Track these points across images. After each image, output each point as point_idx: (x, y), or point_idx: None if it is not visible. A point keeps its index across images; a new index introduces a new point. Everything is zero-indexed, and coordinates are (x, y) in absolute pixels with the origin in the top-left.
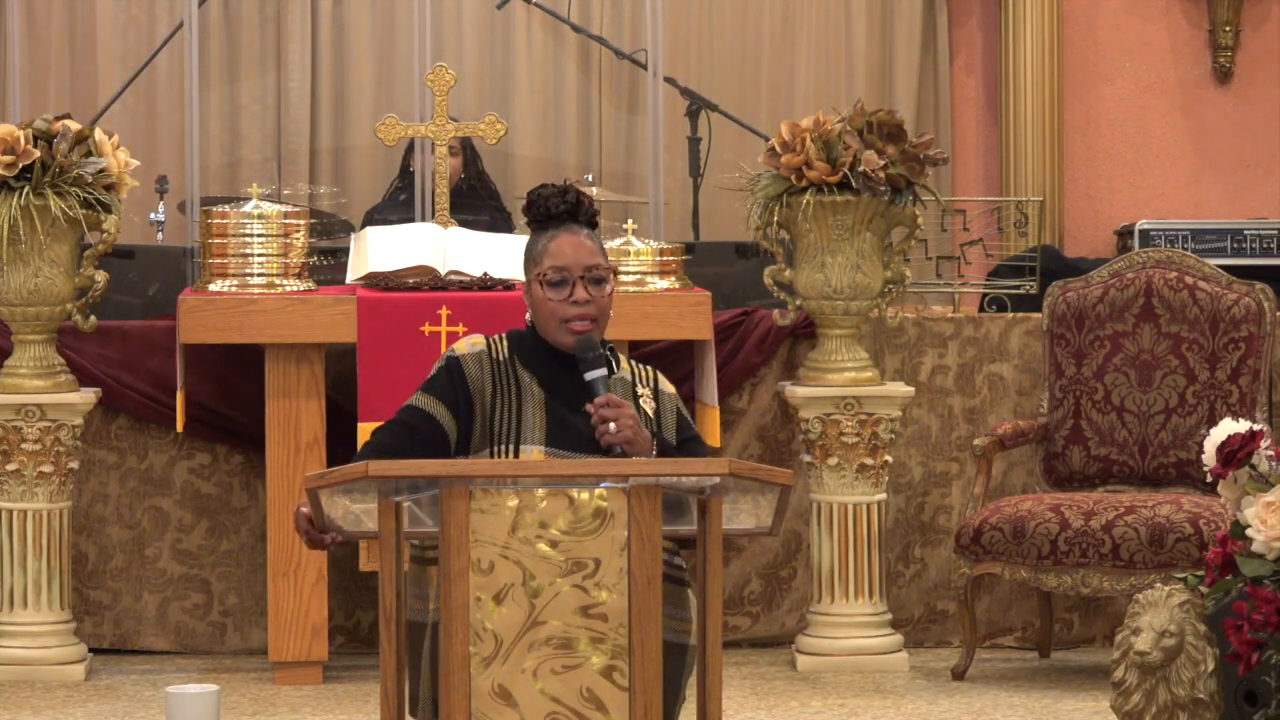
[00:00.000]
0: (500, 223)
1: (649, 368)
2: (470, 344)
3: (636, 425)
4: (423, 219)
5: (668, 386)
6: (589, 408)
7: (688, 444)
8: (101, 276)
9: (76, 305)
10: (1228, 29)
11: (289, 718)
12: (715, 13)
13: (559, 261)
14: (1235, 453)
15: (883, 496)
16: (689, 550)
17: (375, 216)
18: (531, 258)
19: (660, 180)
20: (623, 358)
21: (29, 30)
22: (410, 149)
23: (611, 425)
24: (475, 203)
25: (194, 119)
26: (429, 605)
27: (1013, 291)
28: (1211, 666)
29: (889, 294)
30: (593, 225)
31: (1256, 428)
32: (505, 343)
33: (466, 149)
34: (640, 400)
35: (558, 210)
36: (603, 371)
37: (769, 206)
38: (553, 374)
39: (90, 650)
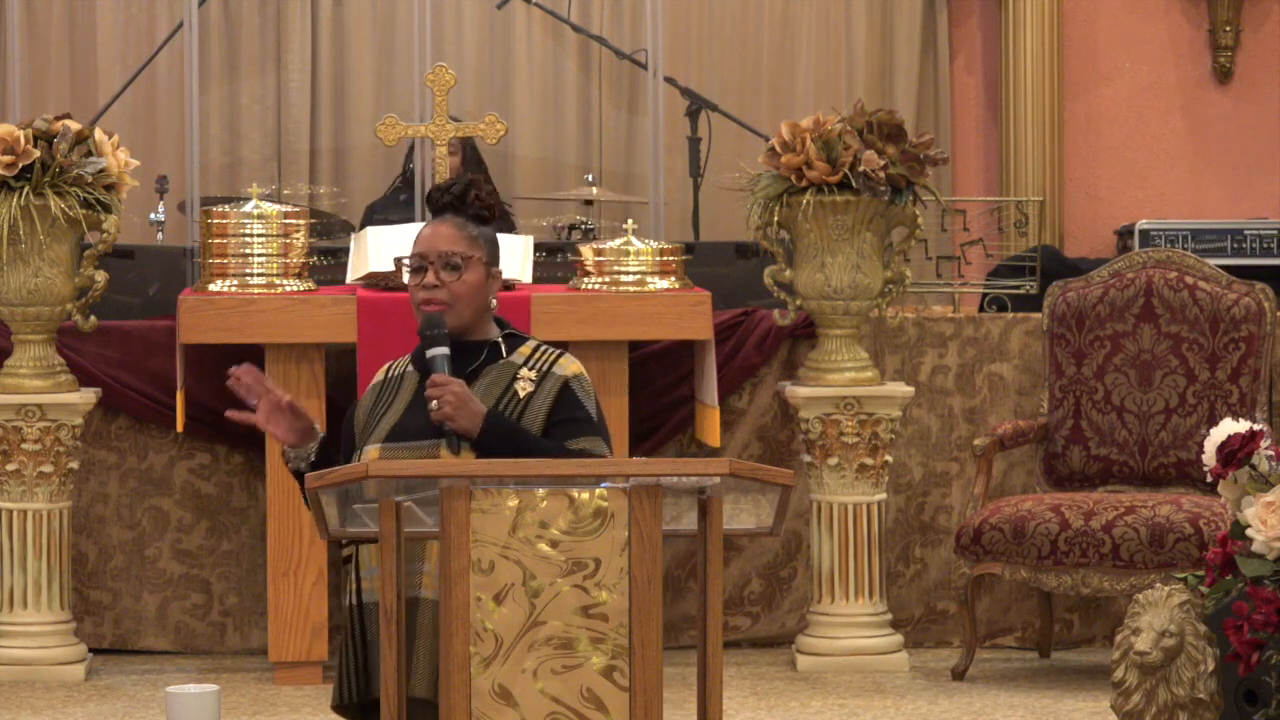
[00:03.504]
0: (500, 223)
1: (555, 351)
2: (381, 373)
3: (458, 403)
4: (423, 219)
5: (565, 369)
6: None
7: (561, 425)
8: (101, 276)
9: (76, 305)
10: (1228, 29)
11: (289, 718)
12: (715, 13)
13: (417, 248)
14: (1235, 453)
15: (883, 496)
16: None
17: (375, 216)
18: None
19: (660, 180)
20: (532, 342)
21: (29, 30)
22: (411, 152)
23: (434, 403)
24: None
25: (194, 119)
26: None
27: (1013, 291)
28: (1211, 666)
29: (889, 294)
30: (482, 219)
31: (1256, 428)
32: (406, 358)
33: (466, 149)
34: (516, 382)
35: (441, 202)
36: (444, 350)
37: (769, 206)
38: (423, 368)
39: (90, 650)
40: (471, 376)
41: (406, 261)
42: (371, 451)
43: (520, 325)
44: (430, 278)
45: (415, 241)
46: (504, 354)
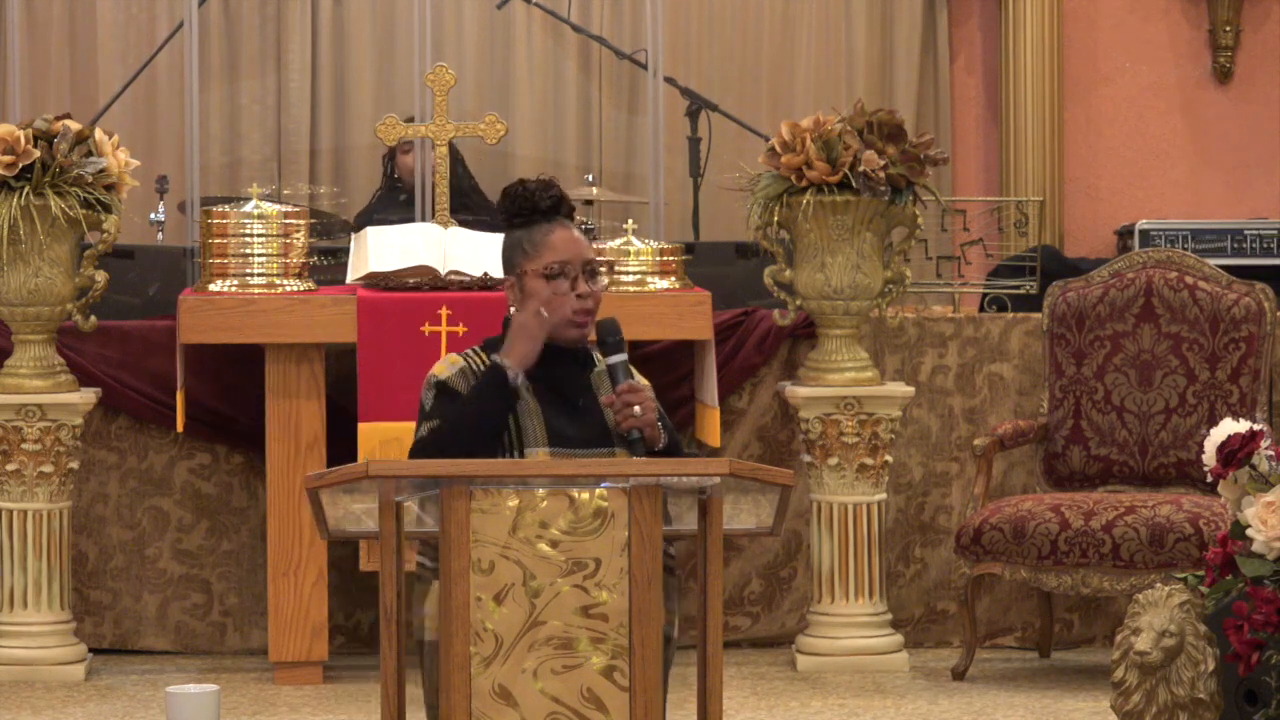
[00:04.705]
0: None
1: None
2: (450, 364)
3: (656, 412)
4: (422, 219)
5: (643, 380)
6: (605, 399)
7: (672, 433)
8: (101, 276)
9: (76, 305)
10: (1228, 29)
11: (289, 718)
12: (715, 13)
13: (561, 255)
14: (1235, 453)
15: (883, 496)
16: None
17: (375, 216)
18: (524, 251)
19: (660, 180)
20: (595, 350)
21: (29, 30)
22: (390, 154)
23: (636, 409)
24: (477, 203)
25: (194, 119)
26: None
27: (1013, 291)
28: (1211, 666)
29: (889, 294)
30: (572, 220)
31: (1256, 428)
32: (482, 354)
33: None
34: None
35: (544, 204)
36: (623, 356)
37: (769, 206)
38: (542, 372)
39: (90, 650)
40: (586, 385)
41: (546, 268)
42: (542, 454)
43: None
44: (583, 286)
45: (548, 245)
46: (594, 361)
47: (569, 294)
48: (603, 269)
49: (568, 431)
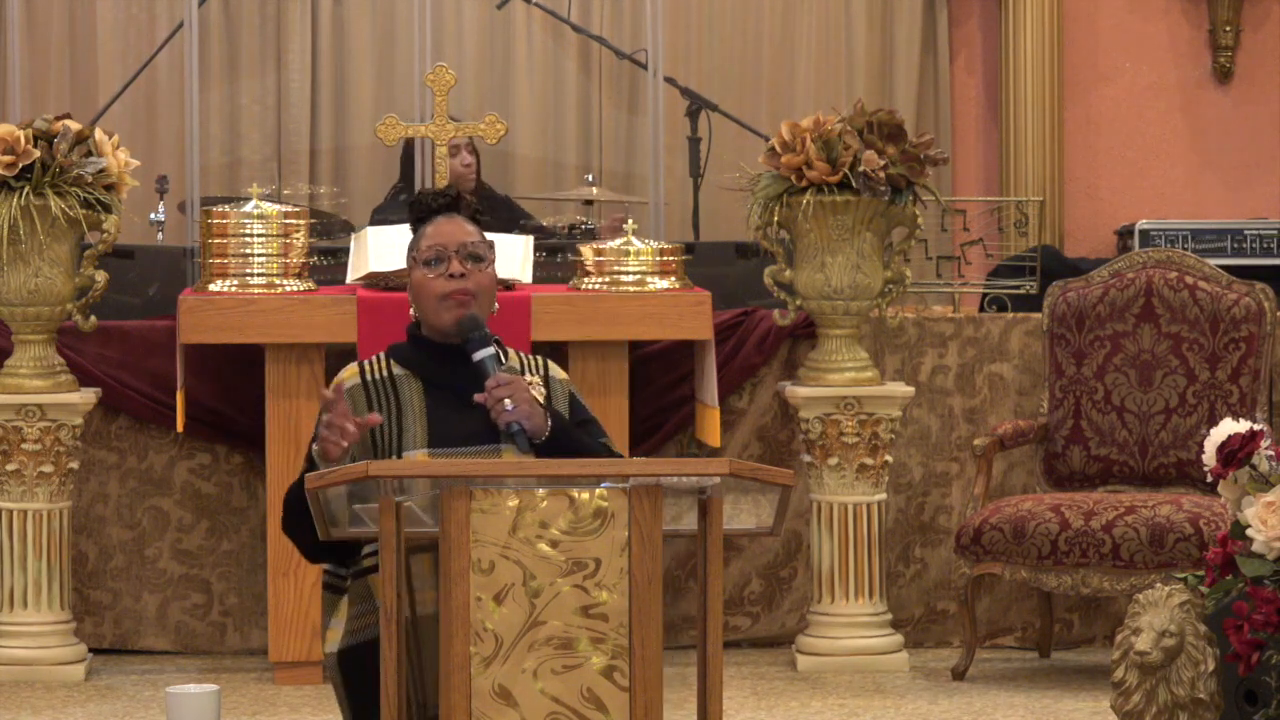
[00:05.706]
0: (502, 223)
1: (539, 357)
2: (350, 375)
3: (532, 400)
4: None
5: (559, 373)
6: (478, 397)
7: (584, 425)
8: (101, 276)
9: (76, 305)
10: (1228, 29)
11: (289, 718)
12: (715, 13)
13: (435, 240)
14: (1235, 453)
15: (883, 496)
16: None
17: (376, 216)
18: (410, 248)
19: (660, 180)
20: (510, 350)
21: (29, 30)
22: (409, 154)
23: (507, 402)
24: (489, 203)
25: (194, 119)
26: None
27: (1013, 291)
28: (1211, 666)
29: (889, 294)
30: (475, 222)
31: (1256, 428)
32: (383, 359)
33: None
34: (530, 389)
35: (436, 205)
36: (491, 350)
37: (769, 206)
38: (434, 371)
39: (90, 650)
40: (474, 382)
41: (418, 254)
42: (420, 456)
43: (520, 325)
44: (456, 267)
45: (425, 235)
46: (503, 359)
47: (442, 275)
48: (484, 254)
49: (453, 431)
